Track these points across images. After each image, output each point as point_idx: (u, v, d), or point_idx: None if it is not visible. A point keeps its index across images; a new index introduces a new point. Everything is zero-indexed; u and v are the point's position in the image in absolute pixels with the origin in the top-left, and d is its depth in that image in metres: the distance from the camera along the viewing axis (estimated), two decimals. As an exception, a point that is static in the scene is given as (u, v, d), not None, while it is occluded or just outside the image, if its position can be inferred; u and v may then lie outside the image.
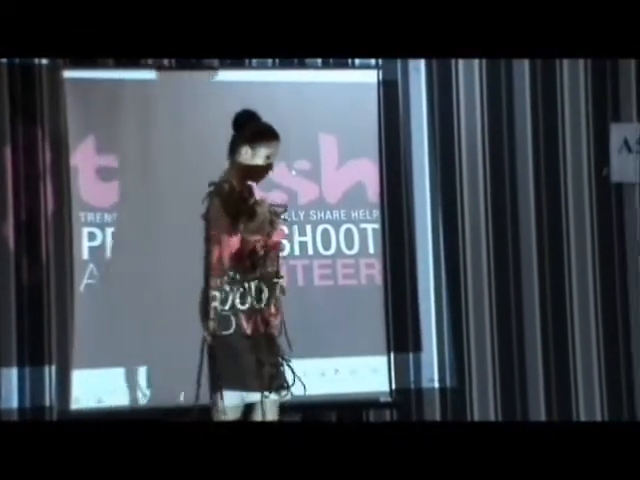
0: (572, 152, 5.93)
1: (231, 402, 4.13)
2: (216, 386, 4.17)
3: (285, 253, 5.34)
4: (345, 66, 5.77)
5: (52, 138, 5.55)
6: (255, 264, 4.24)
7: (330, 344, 5.59)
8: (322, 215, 5.67)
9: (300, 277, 5.64)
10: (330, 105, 5.69)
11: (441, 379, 5.84)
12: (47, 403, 5.53)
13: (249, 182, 4.28)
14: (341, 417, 5.73)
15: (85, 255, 5.38)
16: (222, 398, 4.15)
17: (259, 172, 4.31)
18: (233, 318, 4.13)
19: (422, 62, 5.91)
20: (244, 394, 4.17)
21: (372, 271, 5.67)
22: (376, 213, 5.66)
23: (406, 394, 5.77)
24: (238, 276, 4.20)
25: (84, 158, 5.46)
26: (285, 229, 4.59)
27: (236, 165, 4.24)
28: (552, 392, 5.91)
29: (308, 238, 5.63)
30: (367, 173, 5.68)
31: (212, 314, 4.15)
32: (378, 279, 5.66)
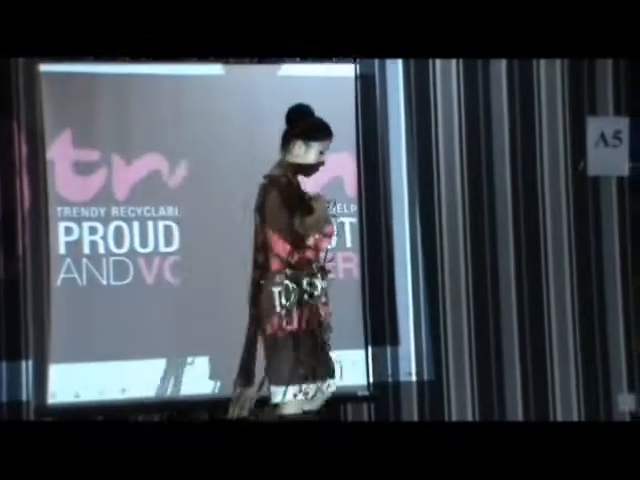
0: (549, 146, 5.93)
1: (289, 396, 4.15)
2: (280, 380, 4.16)
3: None
4: (323, 60, 5.68)
5: (28, 132, 5.50)
6: (310, 260, 4.27)
7: None
8: None
9: None
10: (308, 99, 5.54)
11: (418, 372, 5.83)
12: (24, 398, 5.48)
13: (301, 175, 4.27)
14: (318, 410, 5.58)
15: (62, 250, 5.33)
16: (285, 393, 4.15)
17: (311, 168, 4.31)
18: (296, 313, 4.15)
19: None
20: (304, 386, 4.18)
21: (350, 265, 5.65)
22: (354, 207, 5.65)
23: (383, 387, 5.76)
24: (295, 272, 4.20)
25: (60, 152, 5.40)
26: (334, 224, 4.52)
27: (289, 160, 4.22)
28: (529, 385, 5.92)
29: None
30: (345, 167, 5.64)
31: (278, 309, 4.15)
32: (356, 273, 5.64)
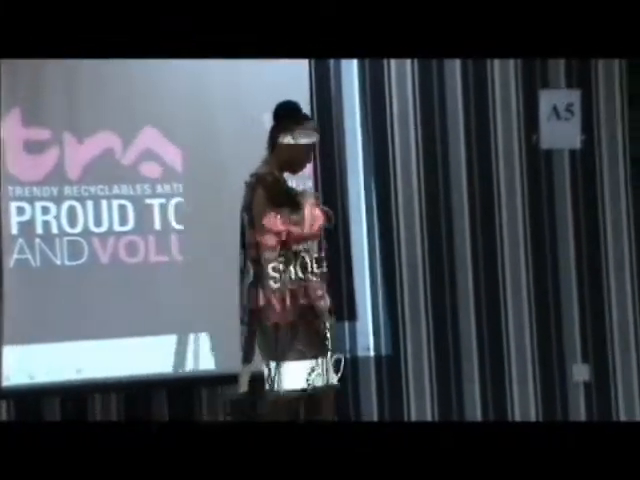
0: (502, 120, 5.99)
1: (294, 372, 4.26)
2: (278, 357, 4.24)
3: None
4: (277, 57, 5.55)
5: None
6: (299, 253, 4.32)
7: None
8: None
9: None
10: (270, 84, 5.65)
11: (376, 347, 5.87)
12: None
13: (288, 173, 4.34)
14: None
15: (14, 230, 5.31)
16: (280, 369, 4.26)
17: (300, 162, 4.36)
18: (290, 303, 4.22)
19: None
20: (307, 362, 4.26)
21: None
22: (310, 184, 5.56)
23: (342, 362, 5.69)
24: (285, 266, 4.26)
25: (10, 131, 5.35)
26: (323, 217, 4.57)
27: (278, 156, 4.26)
28: (485, 357, 6.00)
29: None
30: None
31: (271, 302, 4.20)
32: None
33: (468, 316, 6.02)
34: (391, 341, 5.91)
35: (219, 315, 5.44)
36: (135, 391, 5.58)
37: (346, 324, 5.81)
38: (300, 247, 4.36)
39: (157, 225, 5.54)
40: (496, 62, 5.93)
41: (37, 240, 5.36)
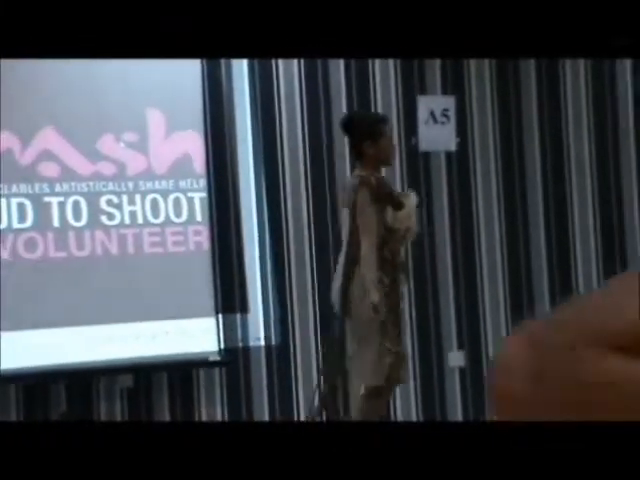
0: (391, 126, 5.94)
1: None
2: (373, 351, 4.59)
3: (116, 222, 5.68)
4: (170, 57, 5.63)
5: None
6: (396, 252, 4.74)
7: (161, 308, 5.68)
8: (151, 185, 5.75)
9: (130, 245, 5.69)
10: (156, 81, 5.75)
11: (267, 337, 5.95)
12: None
13: (381, 169, 4.78)
14: (172, 375, 5.82)
15: None
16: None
17: (389, 157, 4.80)
18: (384, 302, 4.53)
19: None
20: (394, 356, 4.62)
21: (200, 238, 5.79)
22: (203, 182, 5.76)
23: (234, 352, 5.86)
24: (384, 264, 4.58)
25: None
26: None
27: (368, 159, 4.64)
28: None
29: (138, 207, 5.71)
30: (193, 144, 5.78)
31: (377, 301, 4.47)
32: (206, 245, 5.77)
33: None
34: (280, 331, 5.97)
35: (116, 305, 5.64)
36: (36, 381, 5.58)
37: (238, 316, 5.90)
38: (397, 245, 4.78)
39: (56, 223, 5.58)
40: (377, 69, 6.02)
41: None
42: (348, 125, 4.88)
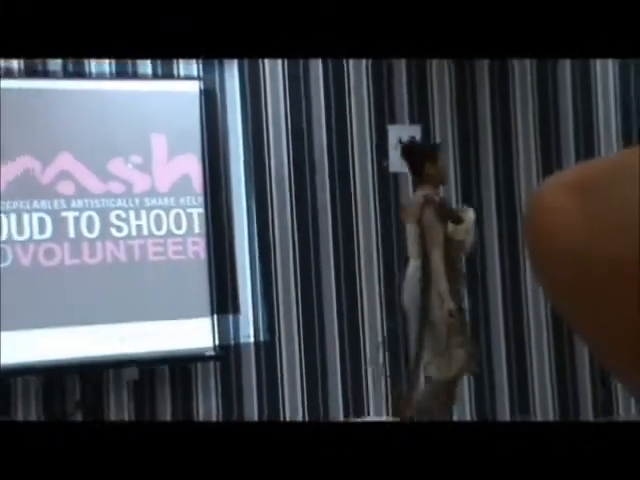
0: (359, 148, 6.41)
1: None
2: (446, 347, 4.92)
3: (124, 234, 5.94)
4: (172, 77, 6.15)
5: None
6: (458, 261, 5.11)
7: (162, 309, 5.95)
8: (155, 202, 6.02)
9: (136, 254, 5.98)
10: (160, 110, 6.04)
11: (256, 335, 6.27)
12: None
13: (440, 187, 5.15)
14: (173, 368, 6.10)
15: None
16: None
17: (443, 176, 5.20)
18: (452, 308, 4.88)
19: (236, 73, 6.23)
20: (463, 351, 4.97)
21: (197, 248, 6.07)
22: (200, 200, 6.04)
23: (227, 348, 6.17)
24: (450, 273, 4.93)
25: None
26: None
27: (429, 179, 5.04)
28: (345, 338, 6.33)
29: (143, 222, 5.99)
30: (192, 166, 6.06)
31: (453, 307, 4.82)
32: (202, 254, 6.04)
33: (331, 307, 6.34)
34: (267, 330, 6.28)
35: (123, 306, 5.93)
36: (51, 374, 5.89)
37: (230, 316, 6.20)
38: (458, 255, 5.14)
39: (71, 234, 5.89)
40: (353, 101, 6.30)
41: None
42: (410, 151, 5.26)
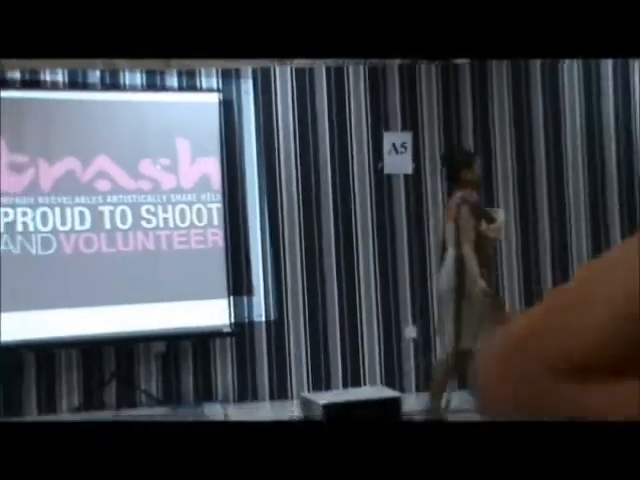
0: (357, 153, 6.83)
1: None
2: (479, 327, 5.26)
3: (153, 226, 6.35)
4: (195, 89, 6.61)
5: None
6: (490, 253, 5.47)
7: (186, 291, 6.35)
8: (180, 198, 6.47)
9: (163, 243, 6.44)
10: (184, 118, 6.48)
11: (267, 314, 6.69)
12: None
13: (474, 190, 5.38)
14: (195, 343, 6.52)
15: (1, 228, 6.11)
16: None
17: (478, 180, 5.47)
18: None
19: (251, 86, 6.66)
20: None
21: (216, 238, 6.51)
22: (219, 196, 6.49)
23: (242, 326, 6.61)
24: (483, 262, 5.30)
25: None
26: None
27: (465, 183, 5.30)
28: (345, 321, 6.72)
29: (169, 215, 6.45)
30: (212, 168, 6.51)
31: (485, 287, 5.21)
32: (220, 244, 6.49)
33: (332, 291, 6.73)
34: (277, 310, 6.73)
35: (152, 288, 6.33)
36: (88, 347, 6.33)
37: (245, 298, 6.60)
38: (490, 248, 5.49)
39: (107, 225, 6.35)
40: (353, 112, 6.68)
41: (18, 236, 6.15)
42: (449, 157, 5.66)
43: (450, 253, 5.38)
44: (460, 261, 5.28)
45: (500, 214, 5.64)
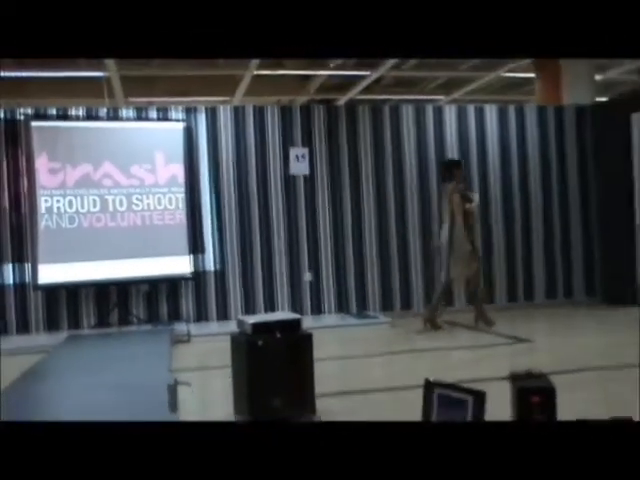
0: (272, 160, 8.82)
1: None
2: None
3: (140, 209, 8.35)
4: (168, 120, 8.63)
5: (26, 156, 8.20)
6: (472, 222, 7.73)
7: (163, 250, 8.43)
8: (157, 190, 8.52)
9: (147, 220, 8.44)
10: (161, 138, 8.54)
11: (214, 266, 8.72)
12: (27, 280, 8.36)
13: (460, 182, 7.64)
14: (168, 284, 8.46)
15: (43, 210, 8.19)
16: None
17: (462, 177, 7.73)
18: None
19: (204, 118, 8.55)
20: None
21: (181, 216, 8.57)
22: (183, 189, 8.56)
23: (198, 273, 8.63)
24: (467, 228, 7.53)
25: (42, 162, 8.27)
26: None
27: (456, 177, 7.57)
28: (265, 271, 8.66)
29: (150, 201, 8.46)
30: (178, 170, 8.57)
31: (469, 247, 7.58)
32: (184, 220, 8.58)
33: (257, 252, 8.60)
34: (221, 263, 8.66)
35: (141, 248, 8.23)
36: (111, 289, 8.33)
37: (200, 255, 8.57)
38: (471, 219, 7.77)
39: (110, 208, 8.40)
40: (270, 134, 8.57)
41: (54, 215, 8.21)
42: (450, 163, 8.01)
43: (445, 224, 7.70)
44: (452, 228, 7.53)
45: (475, 196, 7.95)
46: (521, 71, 11.46)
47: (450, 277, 7.71)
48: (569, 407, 3.54)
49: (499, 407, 3.55)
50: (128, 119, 8.83)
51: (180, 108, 9.06)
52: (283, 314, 6.96)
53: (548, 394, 3.50)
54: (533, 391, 3.51)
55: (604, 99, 10.96)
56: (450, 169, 7.80)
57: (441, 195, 8.01)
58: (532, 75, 11.10)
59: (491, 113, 9.96)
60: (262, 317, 5.73)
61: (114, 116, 8.82)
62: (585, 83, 10.23)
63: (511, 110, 10.06)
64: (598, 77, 10.98)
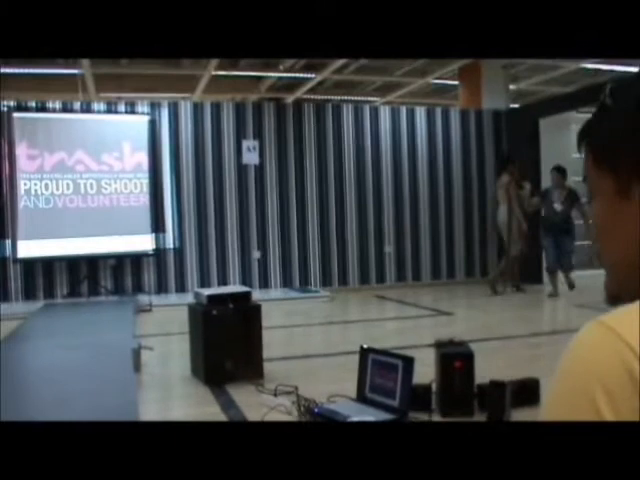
0: (227, 151, 9.37)
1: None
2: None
3: (109, 192, 8.97)
4: (135, 113, 9.23)
5: (8, 144, 8.75)
6: (524, 207, 8.63)
7: (128, 229, 9.01)
8: (124, 175, 9.15)
9: (114, 202, 9.07)
10: (128, 129, 9.16)
11: (174, 244, 9.34)
12: (7, 255, 8.88)
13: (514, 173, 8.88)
14: (133, 260, 9.05)
15: (22, 192, 8.82)
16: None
17: (516, 168, 8.89)
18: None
19: (167, 112, 9.12)
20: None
21: (145, 199, 9.22)
22: (147, 175, 9.17)
23: (159, 250, 9.28)
24: (522, 211, 8.58)
25: (21, 150, 8.84)
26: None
27: (511, 169, 8.67)
28: (219, 249, 9.21)
29: (118, 186, 9.09)
30: (143, 158, 9.23)
31: (525, 227, 8.72)
32: (148, 203, 9.20)
33: (211, 232, 9.13)
34: (179, 241, 9.23)
35: (109, 227, 8.81)
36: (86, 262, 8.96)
37: (162, 234, 9.09)
38: (524, 204, 8.72)
39: (82, 191, 9.05)
40: (225, 127, 9.14)
41: (32, 197, 8.81)
42: (505, 159, 8.96)
43: (502, 206, 8.89)
44: (509, 210, 8.63)
45: (527, 185, 9.00)
46: (447, 78, 12.19)
47: (512, 254, 8.83)
48: (486, 370, 3.99)
49: (425, 370, 3.96)
50: (99, 112, 9.35)
51: (146, 103, 9.60)
52: (235, 287, 7.48)
53: (468, 359, 3.74)
54: (455, 356, 3.75)
55: (516, 105, 11.82)
56: (505, 164, 8.97)
57: (495, 185, 9.35)
58: (456, 82, 11.83)
59: (420, 114, 10.72)
60: (216, 290, 5.78)
61: (87, 109, 9.34)
62: (501, 91, 10.96)
63: (438, 112, 10.86)
64: (512, 86, 11.77)
